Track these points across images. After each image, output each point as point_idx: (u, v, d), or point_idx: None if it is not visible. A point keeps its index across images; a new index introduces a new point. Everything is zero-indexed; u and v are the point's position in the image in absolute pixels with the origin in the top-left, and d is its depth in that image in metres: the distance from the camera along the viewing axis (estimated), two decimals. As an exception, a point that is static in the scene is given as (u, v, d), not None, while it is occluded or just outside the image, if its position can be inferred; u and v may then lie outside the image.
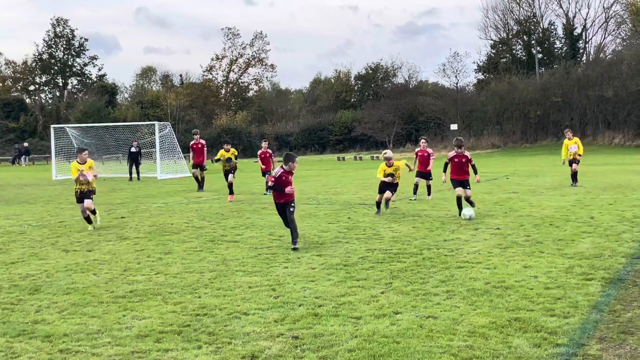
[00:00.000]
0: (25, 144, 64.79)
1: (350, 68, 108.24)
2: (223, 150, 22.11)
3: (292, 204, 12.09)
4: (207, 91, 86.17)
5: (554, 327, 6.64)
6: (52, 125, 44.64)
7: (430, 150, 19.70)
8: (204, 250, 11.78)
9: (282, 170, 12.09)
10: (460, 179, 15.59)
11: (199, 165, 25.67)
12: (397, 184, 16.68)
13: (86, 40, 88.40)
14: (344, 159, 58.66)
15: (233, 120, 77.68)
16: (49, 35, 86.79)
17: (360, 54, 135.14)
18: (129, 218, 17.08)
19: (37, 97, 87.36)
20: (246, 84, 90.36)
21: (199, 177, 25.52)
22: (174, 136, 40.41)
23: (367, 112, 73.14)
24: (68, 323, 7.32)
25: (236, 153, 22.37)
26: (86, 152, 15.63)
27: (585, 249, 10.79)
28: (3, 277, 9.97)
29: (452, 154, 15.79)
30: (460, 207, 15.38)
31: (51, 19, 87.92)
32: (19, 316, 7.68)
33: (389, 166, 16.47)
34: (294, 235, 11.81)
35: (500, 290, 8.16)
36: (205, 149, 25.92)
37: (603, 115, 62.73)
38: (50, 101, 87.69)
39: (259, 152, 24.15)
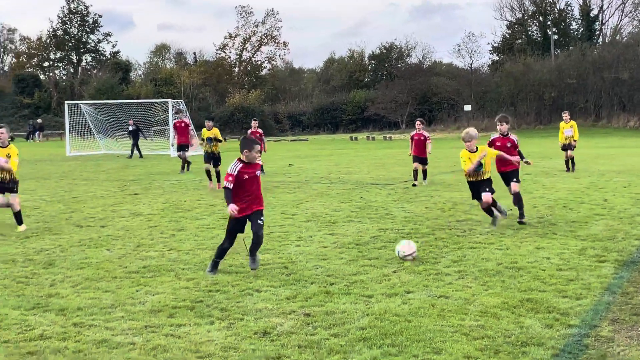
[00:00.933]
0: (39, 120, 65.06)
1: (364, 47, 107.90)
2: (205, 129, 19.26)
3: (262, 216, 8.38)
4: (221, 69, 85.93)
5: (566, 308, 6.63)
6: (66, 102, 44.80)
7: (426, 134, 18.76)
8: (216, 227, 11.82)
9: (241, 163, 8.25)
10: (507, 170, 12.10)
11: (183, 146, 24.42)
12: (489, 179, 11.37)
13: (100, 16, 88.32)
14: (356, 138, 58.49)
15: (246, 99, 77.45)
16: (63, 11, 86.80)
17: (374, 34, 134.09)
18: (142, 195, 17.16)
19: (51, 74, 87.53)
20: (259, 63, 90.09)
21: (185, 159, 24.15)
22: (187, 114, 40.40)
23: (381, 92, 72.75)
24: (82, 297, 7.39)
25: (219, 135, 19.02)
26: (3, 129, 11.57)
27: (599, 231, 10.74)
28: (18, 251, 10.06)
29: (494, 136, 12.31)
30: (520, 207, 11.80)
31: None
32: (33, 290, 7.76)
33: (472, 152, 11.20)
34: (256, 248, 8.40)
35: (513, 271, 8.15)
36: (189, 128, 24.31)
37: (618, 97, 62.17)
38: (64, 77, 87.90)
39: (249, 131, 22.13)
